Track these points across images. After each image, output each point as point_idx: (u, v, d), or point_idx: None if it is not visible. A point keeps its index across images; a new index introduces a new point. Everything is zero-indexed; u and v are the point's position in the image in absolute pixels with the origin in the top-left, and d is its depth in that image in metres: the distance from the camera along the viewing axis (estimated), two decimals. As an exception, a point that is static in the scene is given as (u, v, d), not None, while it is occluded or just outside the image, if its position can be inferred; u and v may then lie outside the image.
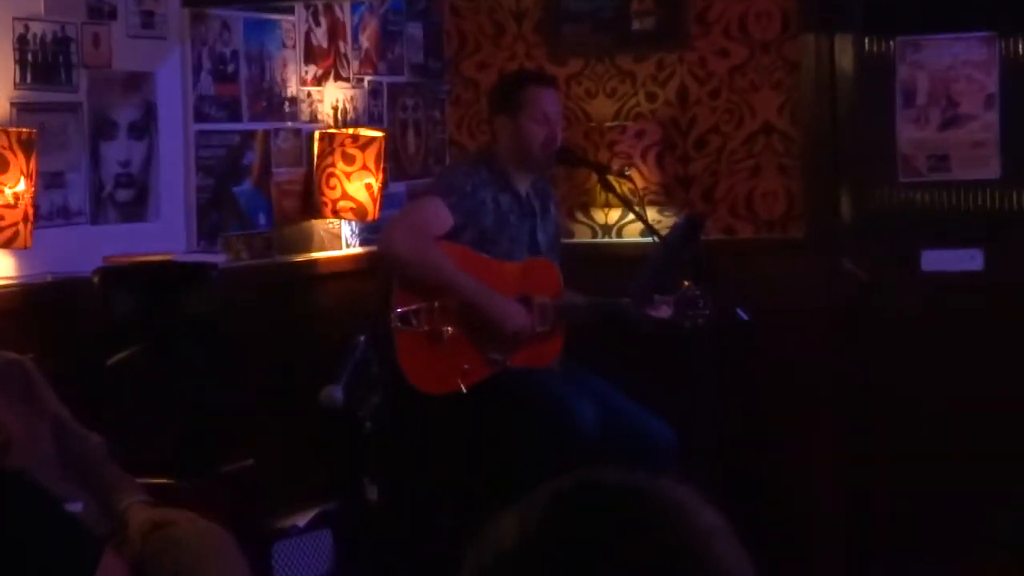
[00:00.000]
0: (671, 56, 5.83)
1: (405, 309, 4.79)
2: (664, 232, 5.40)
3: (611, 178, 5.38)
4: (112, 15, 4.80)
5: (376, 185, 5.52)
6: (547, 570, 1.19)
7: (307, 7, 5.52)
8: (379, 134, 5.61)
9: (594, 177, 5.58)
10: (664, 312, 5.02)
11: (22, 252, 4.44)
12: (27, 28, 4.55)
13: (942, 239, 5.57)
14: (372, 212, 5.53)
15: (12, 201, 4.31)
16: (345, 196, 5.48)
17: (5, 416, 3.96)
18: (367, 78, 5.82)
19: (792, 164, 5.72)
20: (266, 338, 5.23)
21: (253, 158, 5.33)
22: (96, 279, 4.50)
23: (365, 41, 5.82)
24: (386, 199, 5.62)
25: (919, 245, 5.58)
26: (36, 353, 4.25)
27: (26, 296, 4.49)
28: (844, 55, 5.64)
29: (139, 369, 4.43)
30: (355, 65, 5.76)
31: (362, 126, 5.67)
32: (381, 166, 5.55)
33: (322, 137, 5.54)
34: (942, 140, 5.59)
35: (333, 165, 5.48)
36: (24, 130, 4.40)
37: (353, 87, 5.75)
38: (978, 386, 5.44)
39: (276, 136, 5.41)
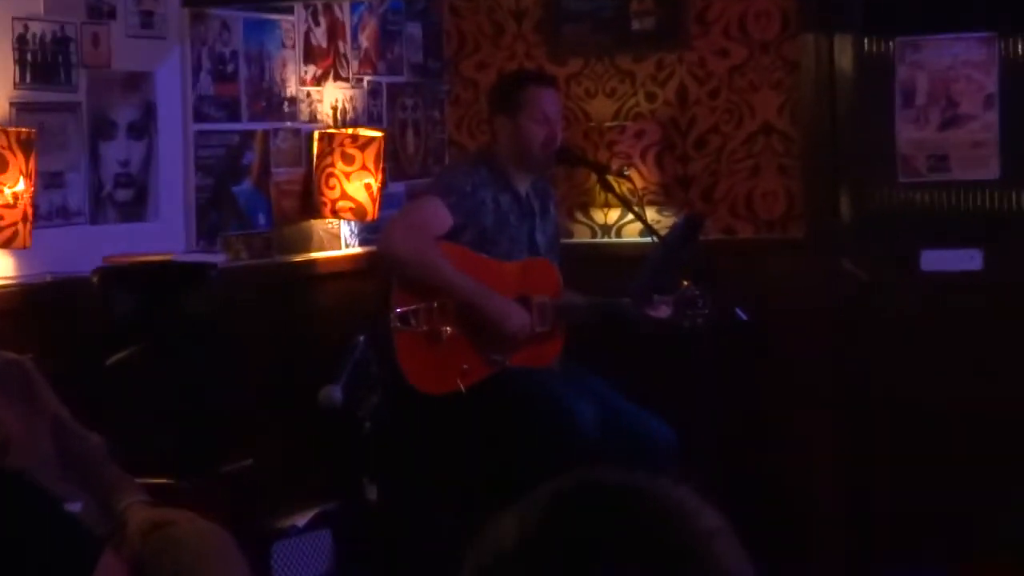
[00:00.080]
0: (671, 56, 5.83)
1: (404, 309, 4.79)
2: (663, 232, 5.40)
3: (610, 178, 5.38)
4: (111, 15, 4.80)
5: (375, 185, 5.52)
6: (547, 570, 1.19)
7: (306, 7, 5.52)
8: (378, 134, 5.61)
9: (593, 177, 5.58)
10: (664, 312, 5.01)
11: (21, 252, 4.44)
12: (26, 28, 4.55)
13: (942, 239, 5.57)
14: (371, 212, 5.53)
15: (11, 201, 4.31)
16: (344, 196, 5.48)
17: (4, 416, 3.96)
18: (366, 78, 5.82)
19: (792, 164, 5.71)
20: (265, 338, 5.23)
21: (252, 158, 5.33)
22: (95, 279, 4.50)
23: (364, 41, 5.82)
24: (385, 199, 5.61)
25: (919, 245, 5.58)
26: (35, 353, 4.25)
27: (25, 296, 4.49)
28: (844, 55, 5.64)
29: (138, 369, 4.43)
30: (354, 65, 5.76)
31: (361, 126, 5.67)
32: (380, 166, 5.55)
33: (321, 137, 5.54)
34: (942, 140, 5.59)
35: (332, 165, 5.48)
36: (23, 130, 4.40)
37: (352, 87, 5.75)
38: (978, 386, 5.44)
39: (275, 136, 5.41)
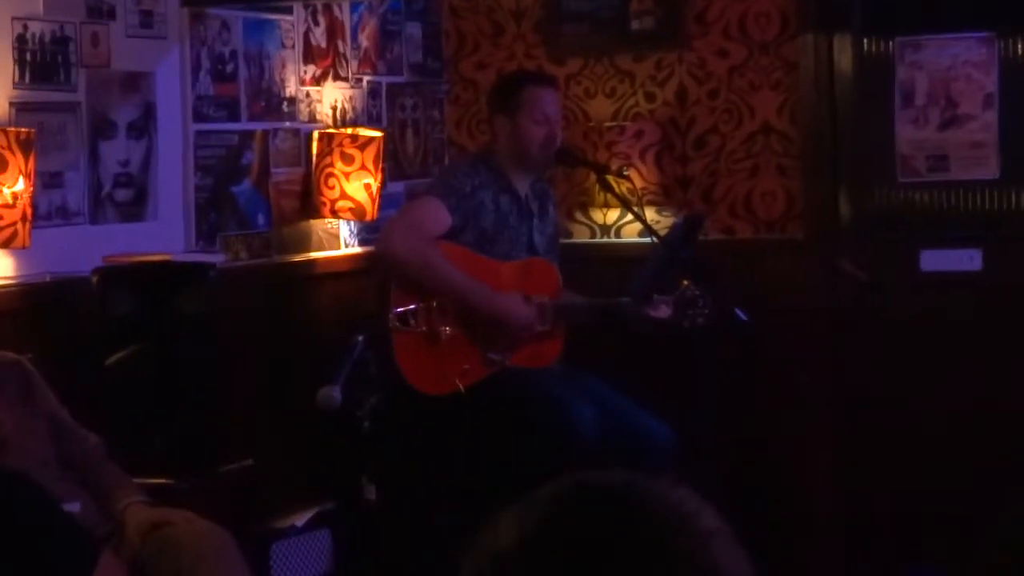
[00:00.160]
0: (670, 56, 5.83)
1: (403, 309, 4.78)
2: (663, 232, 5.40)
3: (610, 178, 5.38)
4: (111, 15, 4.80)
5: (375, 185, 5.52)
6: (546, 571, 1.19)
7: (306, 7, 5.52)
8: (378, 134, 5.61)
9: (593, 177, 5.58)
10: (663, 312, 5.01)
11: (21, 252, 4.44)
12: (26, 28, 4.55)
13: (941, 239, 5.57)
14: (371, 212, 5.53)
15: (11, 201, 4.30)
16: (344, 196, 5.48)
17: (3, 416, 3.96)
18: (366, 78, 5.82)
19: (791, 164, 5.71)
20: (265, 338, 5.23)
21: (252, 158, 5.32)
22: (95, 279, 4.50)
23: (364, 41, 5.82)
24: (385, 199, 5.61)
25: (918, 245, 5.58)
26: (34, 353, 4.25)
27: (25, 296, 4.48)
28: (843, 55, 5.64)
29: (138, 369, 4.43)
30: (354, 65, 5.76)
31: (361, 126, 5.67)
32: (380, 166, 5.55)
33: (321, 137, 5.54)
34: (941, 140, 5.59)
35: (332, 165, 5.48)
36: (23, 130, 4.40)
37: (352, 87, 5.74)
38: (977, 386, 5.44)
39: (275, 136, 5.41)
